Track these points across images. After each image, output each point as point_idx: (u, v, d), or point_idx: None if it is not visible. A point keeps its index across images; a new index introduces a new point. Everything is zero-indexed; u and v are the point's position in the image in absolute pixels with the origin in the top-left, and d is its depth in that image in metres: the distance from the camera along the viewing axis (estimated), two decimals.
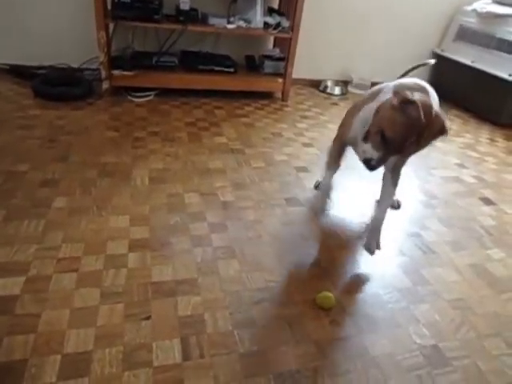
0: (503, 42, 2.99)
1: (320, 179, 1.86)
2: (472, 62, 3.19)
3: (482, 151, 2.59)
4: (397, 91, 1.12)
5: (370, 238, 1.41)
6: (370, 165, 1.16)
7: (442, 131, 1.09)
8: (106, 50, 2.42)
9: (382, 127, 1.12)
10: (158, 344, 1.04)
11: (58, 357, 0.97)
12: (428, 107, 1.06)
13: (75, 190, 1.61)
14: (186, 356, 1.02)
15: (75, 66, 2.76)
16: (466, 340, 1.18)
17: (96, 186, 1.66)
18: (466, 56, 3.26)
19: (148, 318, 1.11)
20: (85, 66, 2.76)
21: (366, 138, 1.19)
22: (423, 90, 1.20)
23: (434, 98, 1.22)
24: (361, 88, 3.40)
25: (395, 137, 1.09)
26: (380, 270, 1.42)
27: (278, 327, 1.14)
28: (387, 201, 1.44)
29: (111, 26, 2.45)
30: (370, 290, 1.33)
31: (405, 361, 1.09)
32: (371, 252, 1.40)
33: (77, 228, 1.41)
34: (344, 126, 1.44)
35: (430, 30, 3.55)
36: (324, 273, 1.37)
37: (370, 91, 1.38)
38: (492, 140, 2.80)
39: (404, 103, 1.06)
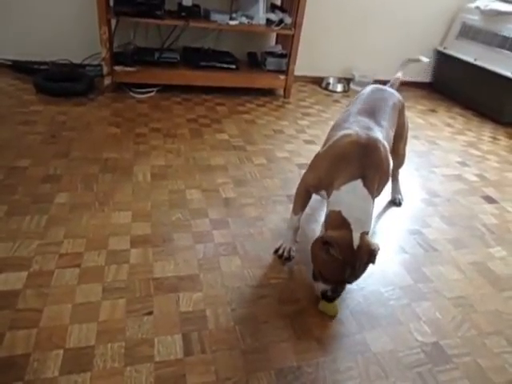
0: (506, 40, 2.98)
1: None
2: (475, 59, 3.17)
3: (485, 149, 2.58)
4: (320, 237, 1.12)
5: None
6: (329, 298, 1.16)
7: (370, 258, 1.09)
8: (108, 45, 2.41)
9: (320, 270, 1.14)
10: (160, 339, 1.04)
11: (61, 351, 0.98)
12: (347, 243, 1.06)
13: (77, 185, 1.62)
14: (187, 351, 1.02)
15: (77, 61, 2.76)
16: (467, 337, 1.18)
17: (98, 181, 1.66)
18: (469, 54, 3.25)
19: (150, 313, 1.11)
20: (87, 62, 2.76)
21: (314, 277, 1.21)
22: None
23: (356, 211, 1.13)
24: (363, 85, 3.38)
25: (333, 277, 1.11)
26: (381, 267, 1.42)
27: (280, 323, 1.14)
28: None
29: (113, 21, 2.45)
30: (371, 287, 1.33)
31: (406, 358, 1.10)
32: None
33: (79, 224, 1.41)
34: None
35: (432, 28, 3.53)
36: None
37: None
38: (494, 138, 2.80)
39: (325, 244, 1.08)
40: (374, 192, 1.17)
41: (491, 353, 1.15)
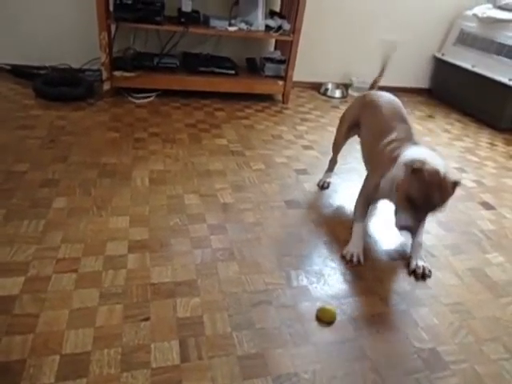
0: (503, 47, 3.00)
1: (323, 178, 1.94)
2: (472, 66, 3.20)
3: (482, 155, 2.59)
4: (406, 164, 1.29)
5: (414, 256, 1.49)
6: (410, 230, 1.31)
7: (453, 188, 1.25)
8: (107, 50, 2.43)
9: (407, 196, 1.27)
10: (157, 345, 1.04)
11: (57, 357, 0.97)
12: (435, 170, 1.23)
13: (75, 190, 1.62)
14: (184, 358, 1.02)
15: (76, 66, 2.77)
16: (464, 344, 1.18)
17: (96, 186, 1.66)
18: (467, 60, 3.27)
19: (147, 319, 1.11)
20: (86, 67, 2.77)
21: (396, 213, 1.34)
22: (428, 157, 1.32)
23: (438, 160, 1.33)
24: (361, 91, 3.40)
25: (421, 201, 1.24)
26: (379, 273, 1.42)
27: (277, 330, 1.14)
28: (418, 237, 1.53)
29: (113, 27, 2.46)
30: (369, 293, 1.33)
31: (403, 364, 1.09)
32: (423, 277, 1.44)
33: (76, 228, 1.41)
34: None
35: (430, 34, 3.56)
36: (323, 275, 1.37)
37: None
38: (492, 144, 2.81)
39: (414, 172, 1.24)
40: None
41: (488, 359, 1.15)
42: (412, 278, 1.42)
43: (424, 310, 1.29)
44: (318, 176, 1.97)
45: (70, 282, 1.19)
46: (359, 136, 1.77)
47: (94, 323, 1.07)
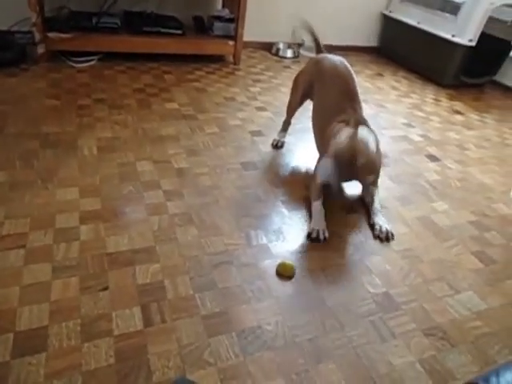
0: (447, 3, 3.07)
1: (277, 137, 1.95)
2: (418, 22, 3.25)
3: (428, 111, 2.70)
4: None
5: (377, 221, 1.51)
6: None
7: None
8: (37, 9, 2.20)
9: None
10: (118, 313, 1.02)
11: (10, 335, 0.93)
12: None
13: (15, 163, 1.50)
14: (147, 322, 1.02)
15: (3, 28, 2.50)
16: (413, 285, 1.27)
17: (38, 158, 1.55)
18: (413, 17, 3.32)
19: (105, 288, 1.08)
20: (15, 29, 2.51)
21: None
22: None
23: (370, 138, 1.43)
24: (313, 51, 3.37)
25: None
26: (334, 226, 1.47)
27: (239, 288, 1.16)
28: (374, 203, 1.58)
29: None
30: (326, 247, 1.37)
31: (359, 309, 1.16)
32: (385, 237, 1.46)
33: (20, 203, 1.32)
34: None
35: None
36: (281, 233, 1.39)
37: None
38: (436, 100, 2.93)
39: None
40: None
41: (435, 297, 1.24)
42: (365, 231, 1.48)
43: (377, 258, 1.36)
44: (273, 137, 1.97)
45: (19, 258, 1.12)
46: (312, 100, 1.78)
47: (48, 298, 1.03)
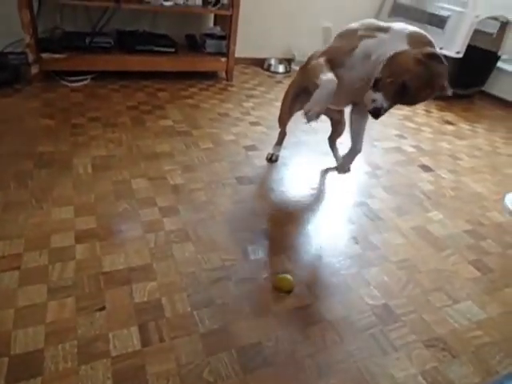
0: (434, 17, 3.14)
1: (271, 151, 1.94)
2: None
3: (419, 122, 2.74)
4: (414, 41, 1.17)
5: (346, 162, 1.57)
6: (378, 114, 1.20)
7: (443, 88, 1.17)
8: (31, 31, 2.22)
9: (404, 79, 1.14)
10: (115, 334, 1.01)
11: (5, 359, 0.91)
12: (444, 64, 1.12)
13: (9, 183, 1.49)
14: (145, 342, 1.00)
15: None
16: (412, 296, 1.27)
17: (33, 177, 1.55)
18: None
19: (102, 308, 1.07)
20: (9, 50, 2.52)
21: (376, 87, 1.20)
22: (430, 43, 1.21)
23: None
24: None
25: (416, 90, 1.14)
26: (332, 239, 1.47)
27: (237, 304, 1.15)
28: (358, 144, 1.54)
29: (35, 4, 2.25)
30: (323, 259, 1.37)
31: (359, 322, 1.15)
32: (344, 172, 1.54)
33: (14, 223, 1.31)
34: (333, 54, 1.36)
35: (366, 7, 3.63)
36: (278, 247, 1.39)
37: (353, 30, 1.39)
38: (427, 111, 2.97)
39: (430, 58, 1.10)
40: None
41: (434, 308, 1.24)
42: (362, 242, 1.48)
43: (374, 269, 1.36)
44: (267, 151, 1.98)
45: (13, 279, 1.11)
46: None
47: (44, 319, 1.01)
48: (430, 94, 1.18)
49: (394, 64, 1.18)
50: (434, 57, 1.12)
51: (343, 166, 1.60)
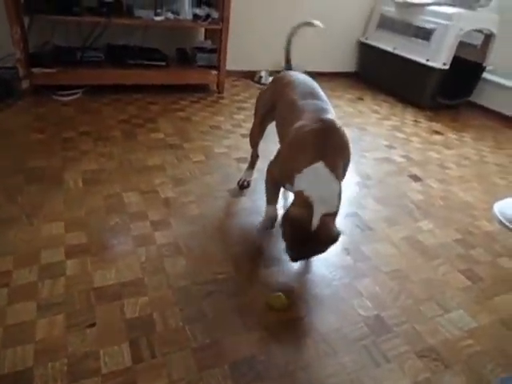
0: (420, 30, 3.21)
1: (243, 177, 1.81)
2: (394, 48, 3.39)
3: (408, 132, 2.78)
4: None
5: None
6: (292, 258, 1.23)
7: (328, 242, 1.15)
8: (21, 46, 2.23)
9: (283, 238, 1.20)
10: (106, 350, 1.00)
11: None
12: (305, 222, 1.11)
13: None
14: (136, 359, 0.99)
15: None
16: (404, 307, 1.28)
17: (23, 193, 1.54)
18: (388, 43, 3.46)
19: (92, 325, 1.06)
20: (0, 65, 2.52)
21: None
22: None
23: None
24: None
25: (292, 247, 1.19)
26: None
27: (230, 317, 1.14)
28: None
29: (26, 19, 2.26)
30: (315, 270, 1.38)
31: (351, 333, 1.15)
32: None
33: (4, 240, 1.30)
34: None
35: (354, 20, 3.71)
36: (271, 260, 1.39)
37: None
38: (416, 121, 3.02)
39: (286, 220, 1.15)
40: (340, 172, 1.21)
41: (426, 318, 1.25)
42: (354, 253, 1.49)
43: (366, 280, 1.37)
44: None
45: (2, 297, 1.09)
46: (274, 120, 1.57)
47: (33, 338, 1.00)
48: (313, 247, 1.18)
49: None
50: (288, 219, 1.15)
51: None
